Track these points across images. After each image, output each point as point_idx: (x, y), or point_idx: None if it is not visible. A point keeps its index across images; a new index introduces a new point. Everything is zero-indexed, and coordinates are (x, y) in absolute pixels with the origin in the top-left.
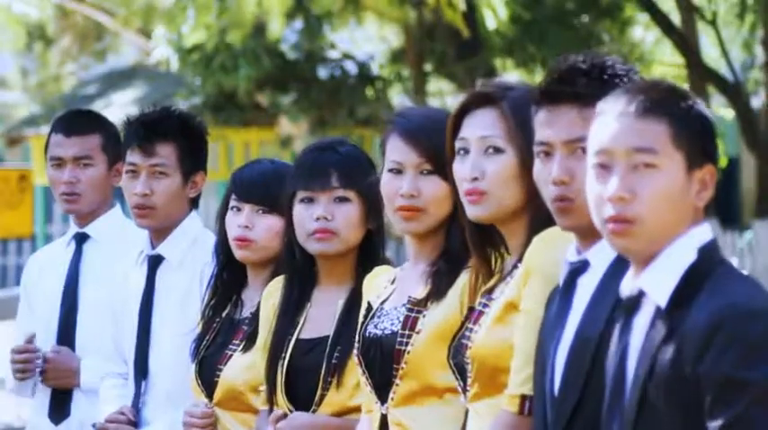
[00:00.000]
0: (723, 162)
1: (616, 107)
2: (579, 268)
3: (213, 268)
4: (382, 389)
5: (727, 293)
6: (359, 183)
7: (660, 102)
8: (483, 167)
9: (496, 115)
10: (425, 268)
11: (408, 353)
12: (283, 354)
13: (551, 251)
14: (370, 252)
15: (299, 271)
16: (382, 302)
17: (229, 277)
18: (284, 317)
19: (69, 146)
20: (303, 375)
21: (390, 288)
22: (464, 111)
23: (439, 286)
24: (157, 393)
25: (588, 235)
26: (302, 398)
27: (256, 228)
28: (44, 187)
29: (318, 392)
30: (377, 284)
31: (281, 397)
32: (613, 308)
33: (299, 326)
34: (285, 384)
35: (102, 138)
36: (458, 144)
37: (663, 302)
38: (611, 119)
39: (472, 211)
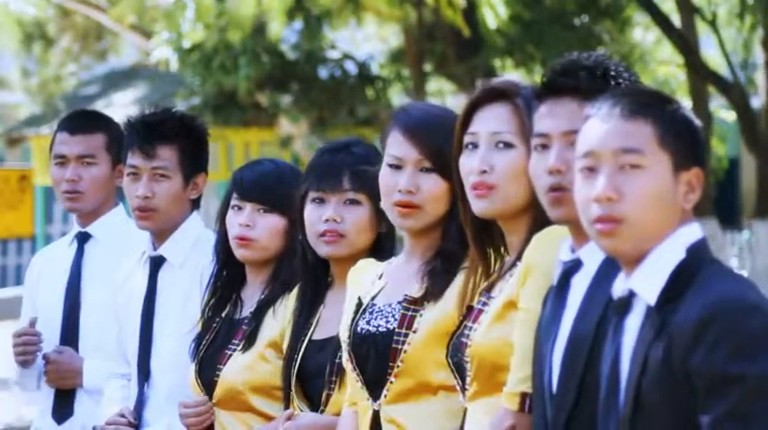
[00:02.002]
0: (724, 163)
1: (602, 110)
2: (572, 267)
3: (213, 267)
4: (374, 385)
5: (717, 290)
6: (371, 185)
7: (646, 104)
8: (492, 161)
9: (509, 110)
10: (420, 266)
11: (405, 352)
12: (296, 355)
13: (551, 249)
14: (382, 254)
15: (313, 272)
16: (372, 298)
17: (229, 276)
18: (299, 318)
19: (73, 144)
20: (315, 375)
21: (379, 283)
22: (475, 106)
23: (435, 285)
24: (159, 394)
25: (582, 232)
26: (316, 398)
27: (257, 228)
28: (44, 187)
29: (324, 392)
30: (364, 279)
31: (294, 397)
32: (606, 306)
33: (312, 327)
34: (300, 385)
35: (107, 138)
36: (467, 138)
37: (652, 301)
38: (597, 121)
39: (478, 205)
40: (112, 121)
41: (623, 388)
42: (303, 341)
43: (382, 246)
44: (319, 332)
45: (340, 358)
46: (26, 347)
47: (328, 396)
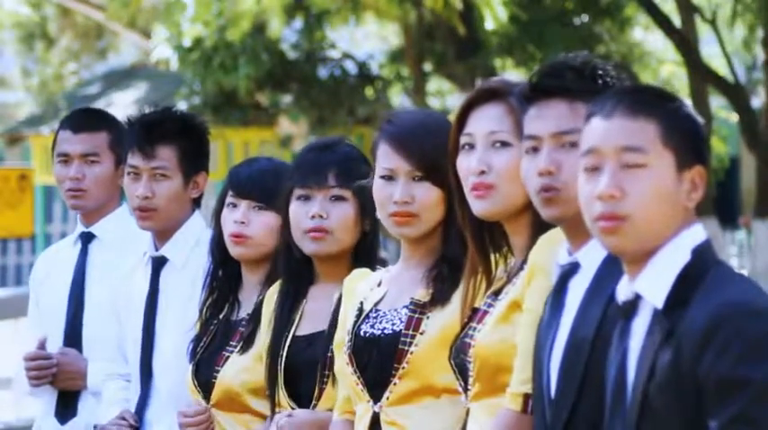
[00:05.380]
0: (725, 163)
1: (605, 108)
2: (570, 270)
3: (208, 266)
4: (375, 387)
5: (725, 293)
6: (356, 182)
7: (649, 102)
8: (490, 161)
9: (504, 110)
10: (424, 271)
11: (411, 353)
12: (281, 352)
13: (556, 251)
14: (366, 252)
15: (296, 269)
16: (376, 304)
17: (225, 276)
18: (281, 315)
19: (77, 142)
20: (303, 371)
21: (379, 290)
22: (470, 106)
23: (442, 292)
24: (161, 394)
25: (578, 234)
26: (305, 394)
27: (252, 225)
28: (44, 187)
29: (317, 387)
30: (361, 287)
31: (282, 395)
32: (605, 308)
33: (296, 322)
34: (286, 382)
35: (110, 137)
36: (463, 139)
37: (659, 304)
38: (600, 119)
39: (478, 206)
40: (116, 120)
41: (630, 392)
42: (287, 337)
43: (366, 244)
44: (304, 327)
45: (332, 351)
46: (40, 372)
47: (321, 390)
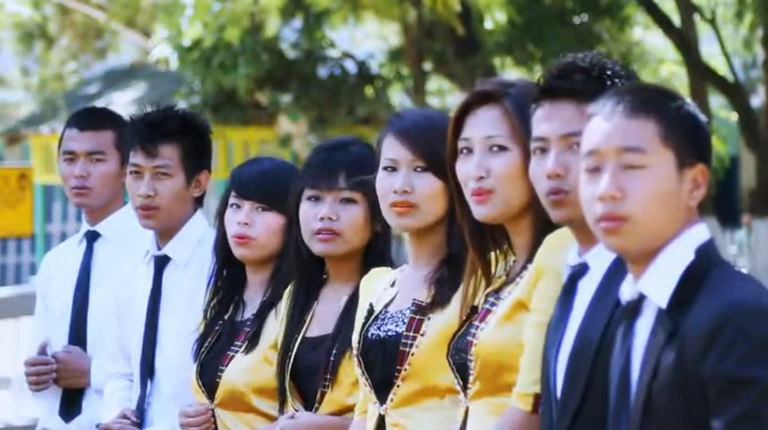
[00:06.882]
0: (725, 162)
1: (605, 108)
2: (579, 271)
3: (212, 266)
4: (382, 389)
5: (729, 292)
6: (367, 184)
7: (648, 101)
8: (488, 166)
9: (499, 113)
10: (427, 272)
11: (413, 355)
12: (290, 353)
13: (562, 251)
14: (377, 253)
15: (307, 269)
16: (386, 306)
17: (229, 276)
18: (292, 315)
19: (83, 140)
20: (310, 373)
21: (391, 291)
22: (465, 110)
23: (442, 293)
24: (163, 393)
25: (587, 236)
26: (311, 396)
27: (256, 226)
28: (43, 186)
29: (319, 390)
30: (376, 287)
31: (288, 396)
32: (613, 310)
33: (306, 324)
34: (295, 382)
35: (116, 135)
36: (460, 144)
37: (663, 303)
38: (600, 120)
39: (480, 211)
40: (122, 119)
41: (634, 392)
42: (296, 338)
43: (378, 246)
44: (313, 329)
45: (335, 356)
46: (39, 377)
47: (323, 394)
